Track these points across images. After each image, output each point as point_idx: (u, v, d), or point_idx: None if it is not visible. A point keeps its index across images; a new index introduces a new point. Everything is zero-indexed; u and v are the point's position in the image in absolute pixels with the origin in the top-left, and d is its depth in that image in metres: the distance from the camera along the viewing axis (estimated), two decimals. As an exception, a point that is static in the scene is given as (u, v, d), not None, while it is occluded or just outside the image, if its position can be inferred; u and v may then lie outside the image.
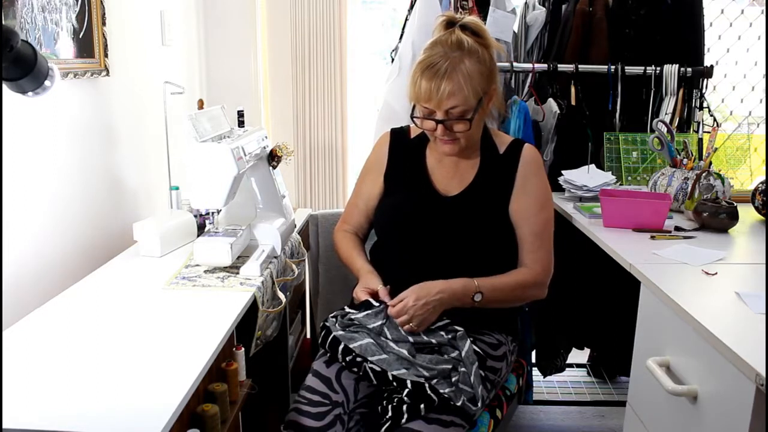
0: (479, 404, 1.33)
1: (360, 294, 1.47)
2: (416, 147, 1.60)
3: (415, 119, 1.48)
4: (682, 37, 2.25)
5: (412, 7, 2.28)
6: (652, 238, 1.65)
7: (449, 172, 1.56)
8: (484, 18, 2.19)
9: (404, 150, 1.61)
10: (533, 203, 1.53)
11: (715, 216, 1.72)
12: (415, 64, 1.45)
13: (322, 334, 1.44)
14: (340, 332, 1.39)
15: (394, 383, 1.31)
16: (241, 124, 1.83)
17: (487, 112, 1.51)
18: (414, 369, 1.31)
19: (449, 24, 1.47)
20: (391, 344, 1.35)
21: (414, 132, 1.63)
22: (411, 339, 1.36)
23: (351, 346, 1.35)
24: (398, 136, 1.64)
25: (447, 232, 1.49)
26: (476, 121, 1.46)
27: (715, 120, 2.21)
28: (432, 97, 1.40)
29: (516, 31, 2.35)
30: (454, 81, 1.38)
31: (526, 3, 2.33)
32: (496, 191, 1.53)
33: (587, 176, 2.05)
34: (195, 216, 1.85)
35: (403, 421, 1.28)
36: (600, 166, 2.16)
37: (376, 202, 1.62)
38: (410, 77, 1.45)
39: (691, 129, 2.24)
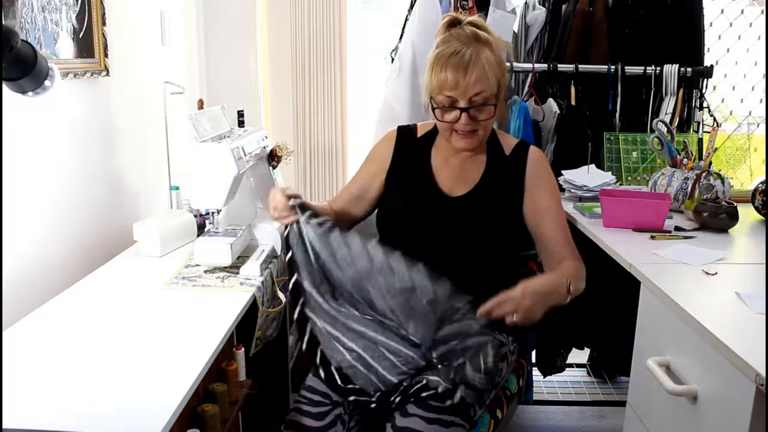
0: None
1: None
2: (422, 146, 1.60)
3: (435, 111, 1.47)
4: (682, 37, 2.25)
5: (412, 7, 2.28)
6: (652, 238, 1.65)
7: (455, 173, 1.55)
8: (484, 18, 2.19)
9: (410, 148, 1.61)
10: (551, 201, 1.54)
11: (715, 216, 1.72)
12: (431, 58, 1.44)
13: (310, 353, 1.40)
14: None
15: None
16: (241, 124, 1.83)
17: (501, 102, 1.51)
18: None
19: (454, 23, 1.48)
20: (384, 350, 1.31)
21: (421, 131, 1.62)
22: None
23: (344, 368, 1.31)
24: (405, 133, 1.64)
25: (451, 232, 1.49)
26: (497, 110, 1.46)
27: (715, 120, 2.21)
28: (458, 85, 1.40)
29: (516, 31, 2.35)
30: (480, 67, 1.40)
31: (526, 3, 2.33)
32: (503, 192, 1.52)
33: (587, 176, 2.05)
34: (195, 216, 1.85)
35: (404, 421, 1.28)
36: (600, 166, 2.15)
37: (374, 193, 1.61)
38: (429, 70, 1.44)
39: (691, 129, 2.24)
